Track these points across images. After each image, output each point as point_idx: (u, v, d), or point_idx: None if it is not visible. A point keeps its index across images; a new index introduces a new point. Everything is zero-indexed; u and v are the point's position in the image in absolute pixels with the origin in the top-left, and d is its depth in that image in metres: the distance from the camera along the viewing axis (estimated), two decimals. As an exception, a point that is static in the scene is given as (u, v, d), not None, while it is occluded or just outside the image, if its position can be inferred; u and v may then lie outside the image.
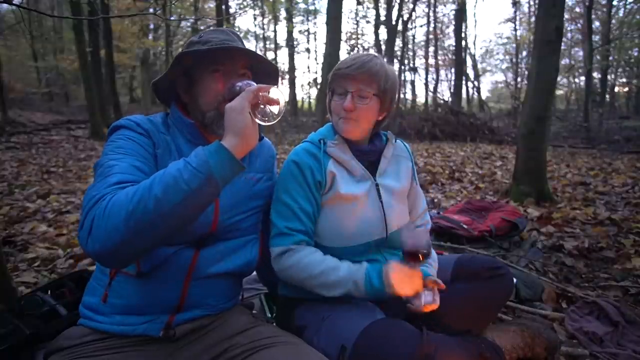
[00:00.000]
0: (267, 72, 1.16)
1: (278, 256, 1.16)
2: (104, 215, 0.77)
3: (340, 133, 1.25)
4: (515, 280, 1.93)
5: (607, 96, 19.77)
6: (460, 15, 20.30)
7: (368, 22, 25.22)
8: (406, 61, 22.85)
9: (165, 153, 1.02)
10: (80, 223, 0.81)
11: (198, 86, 1.05)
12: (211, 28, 1.07)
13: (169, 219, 0.79)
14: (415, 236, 1.04)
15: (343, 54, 14.63)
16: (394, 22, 13.64)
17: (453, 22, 21.62)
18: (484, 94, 30.86)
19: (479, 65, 27.38)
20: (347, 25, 26.92)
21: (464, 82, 22.10)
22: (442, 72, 26.58)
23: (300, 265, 1.14)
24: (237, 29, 24.70)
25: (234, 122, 0.86)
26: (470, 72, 24.70)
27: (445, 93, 24.44)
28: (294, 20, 25.67)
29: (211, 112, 1.03)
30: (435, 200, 4.30)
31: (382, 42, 16.81)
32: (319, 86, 19.95)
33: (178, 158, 1.00)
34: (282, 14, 24.43)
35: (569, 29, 20.73)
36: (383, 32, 17.34)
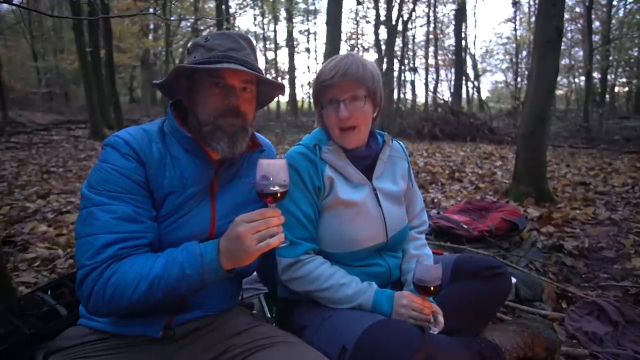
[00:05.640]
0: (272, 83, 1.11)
1: (287, 267, 1.16)
2: (105, 297, 0.87)
3: (344, 146, 1.22)
4: (515, 280, 1.93)
5: (607, 96, 19.76)
6: (460, 15, 20.29)
7: (368, 22, 25.28)
8: (406, 61, 22.85)
9: (160, 168, 1.00)
10: (77, 281, 0.89)
11: (198, 94, 1.03)
12: (221, 31, 1.03)
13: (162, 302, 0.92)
14: (427, 270, 1.06)
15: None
16: (394, 22, 13.62)
17: (453, 22, 21.61)
18: (484, 94, 30.84)
19: (479, 65, 27.37)
20: (347, 25, 27.04)
21: (464, 82, 22.07)
22: (442, 72, 26.58)
23: (308, 278, 1.14)
24: (237, 29, 24.77)
25: (237, 254, 0.87)
26: (470, 72, 24.70)
27: (445, 93, 24.41)
28: (294, 20, 25.70)
29: (208, 126, 1.01)
30: (435, 200, 4.30)
31: (382, 42, 16.79)
32: (319, 86, 19.86)
33: (173, 168, 1.01)
34: (282, 14, 24.42)
35: (569, 29, 20.70)
36: (383, 32, 17.33)
